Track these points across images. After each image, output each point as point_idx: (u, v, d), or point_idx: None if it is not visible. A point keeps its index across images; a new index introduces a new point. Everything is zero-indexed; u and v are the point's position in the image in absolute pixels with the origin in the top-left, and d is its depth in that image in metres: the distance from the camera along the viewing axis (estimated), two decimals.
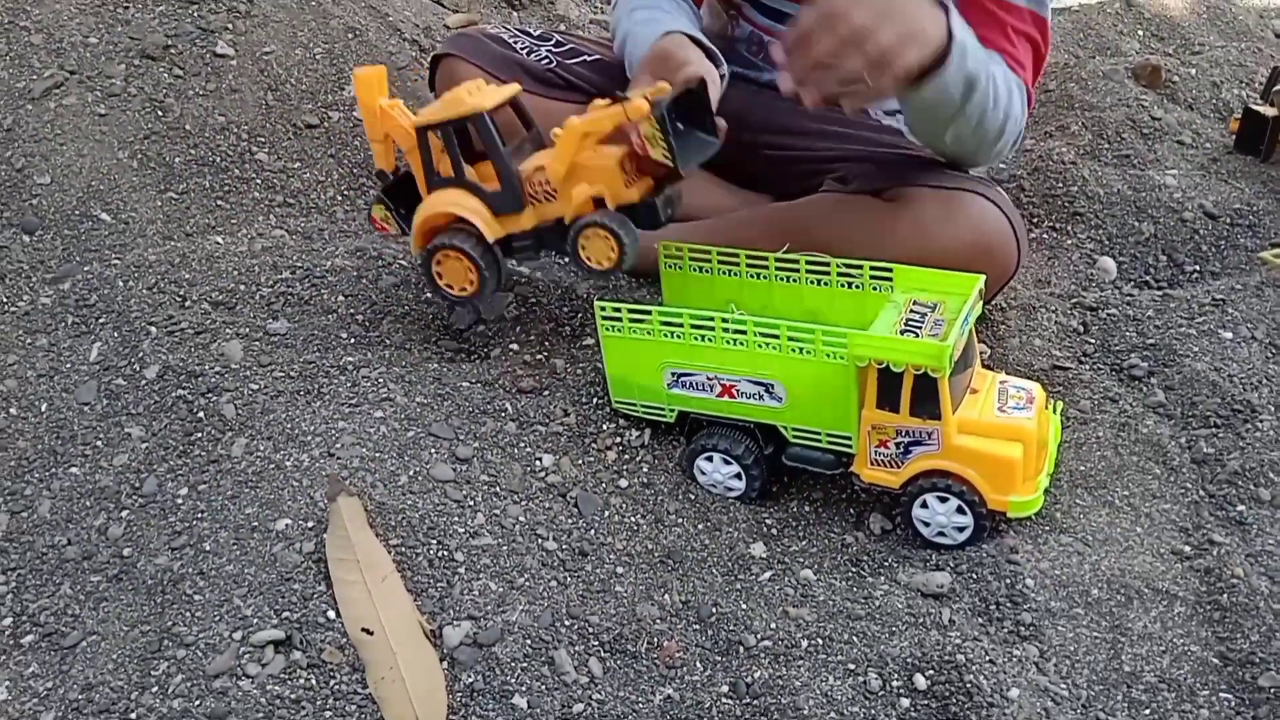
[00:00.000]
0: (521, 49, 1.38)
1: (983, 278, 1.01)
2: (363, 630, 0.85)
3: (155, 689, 0.82)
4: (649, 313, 1.01)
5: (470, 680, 0.85)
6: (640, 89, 1.04)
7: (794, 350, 0.97)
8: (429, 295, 1.19)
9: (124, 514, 0.97)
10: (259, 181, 1.37)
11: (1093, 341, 1.27)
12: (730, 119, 1.30)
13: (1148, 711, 0.83)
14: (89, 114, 1.35)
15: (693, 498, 1.04)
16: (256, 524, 0.92)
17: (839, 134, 1.31)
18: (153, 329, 1.13)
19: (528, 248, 1.09)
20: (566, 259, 1.13)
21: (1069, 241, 1.46)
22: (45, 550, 0.96)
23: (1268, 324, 1.25)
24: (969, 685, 0.81)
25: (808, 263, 1.10)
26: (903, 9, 0.96)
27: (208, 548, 0.91)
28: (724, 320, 0.99)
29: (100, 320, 1.15)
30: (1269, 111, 1.58)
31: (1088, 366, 1.23)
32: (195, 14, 1.46)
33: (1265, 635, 0.86)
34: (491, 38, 1.39)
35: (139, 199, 1.30)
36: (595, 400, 1.11)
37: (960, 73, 1.04)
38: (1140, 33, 2.16)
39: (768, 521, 1.04)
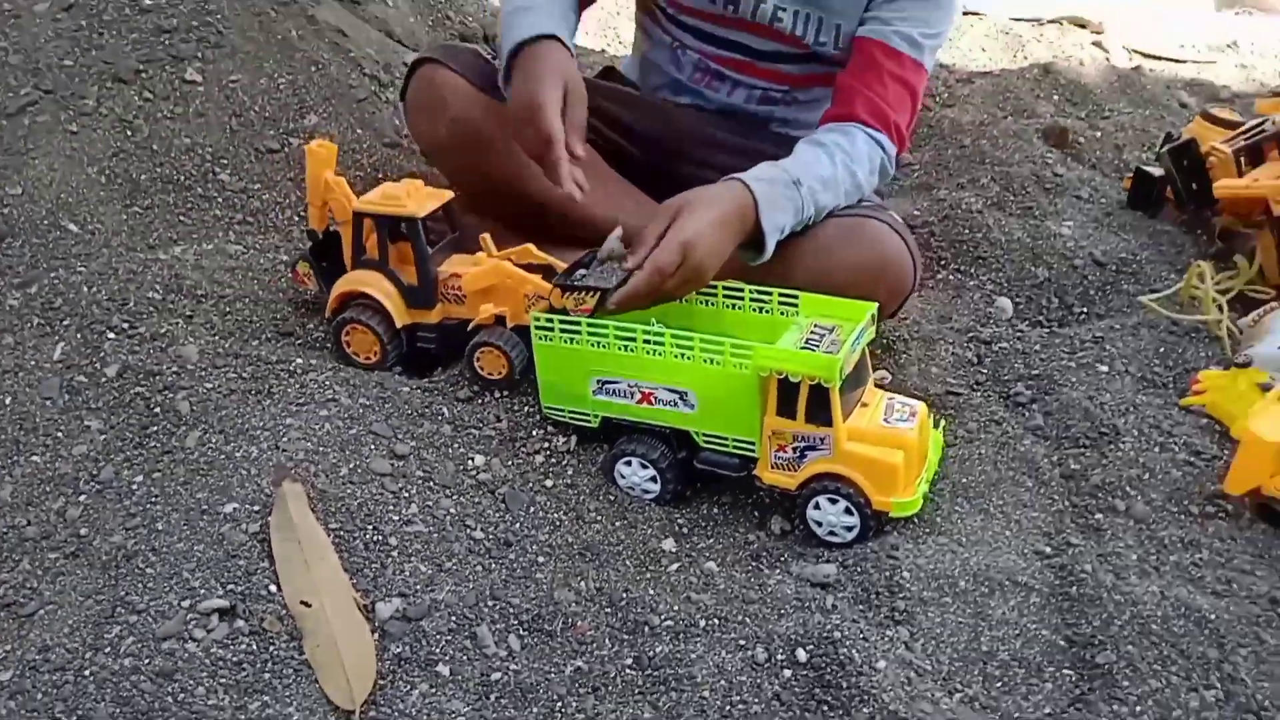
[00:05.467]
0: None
1: (875, 306, 1.13)
2: (301, 603, 0.93)
3: (108, 650, 0.89)
4: (579, 323, 1.12)
5: (399, 650, 0.93)
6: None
7: (706, 360, 1.08)
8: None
9: (82, 498, 1.05)
10: (220, 200, 1.46)
11: (985, 371, 1.40)
12: (677, 141, 1.41)
13: (1000, 684, 0.94)
14: (61, 131, 1.44)
15: (612, 498, 1.14)
16: (206, 507, 1.00)
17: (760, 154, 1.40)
18: (113, 332, 1.22)
19: (431, 340, 1.24)
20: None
21: (972, 283, 1.59)
22: (5, 530, 1.03)
23: (1140, 360, 1.39)
24: (842, 657, 0.92)
25: (724, 288, 1.22)
26: (708, 232, 1.12)
27: (160, 527, 0.99)
28: (645, 331, 1.10)
29: (64, 322, 1.23)
30: (1156, 171, 1.73)
31: (978, 393, 1.35)
32: (167, 42, 1.55)
33: (1105, 621, 0.97)
34: (472, 50, 1.45)
35: (105, 212, 1.38)
36: (527, 409, 1.21)
37: (778, 235, 1.21)
38: (1055, 97, 2.33)
39: (679, 521, 1.14)
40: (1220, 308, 1.45)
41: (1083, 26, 2.69)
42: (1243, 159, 1.66)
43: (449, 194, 1.24)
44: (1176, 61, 2.62)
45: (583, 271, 1.14)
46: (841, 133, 1.31)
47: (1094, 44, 2.62)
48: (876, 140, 1.32)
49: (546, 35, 1.23)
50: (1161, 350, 1.40)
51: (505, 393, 1.21)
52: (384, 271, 1.21)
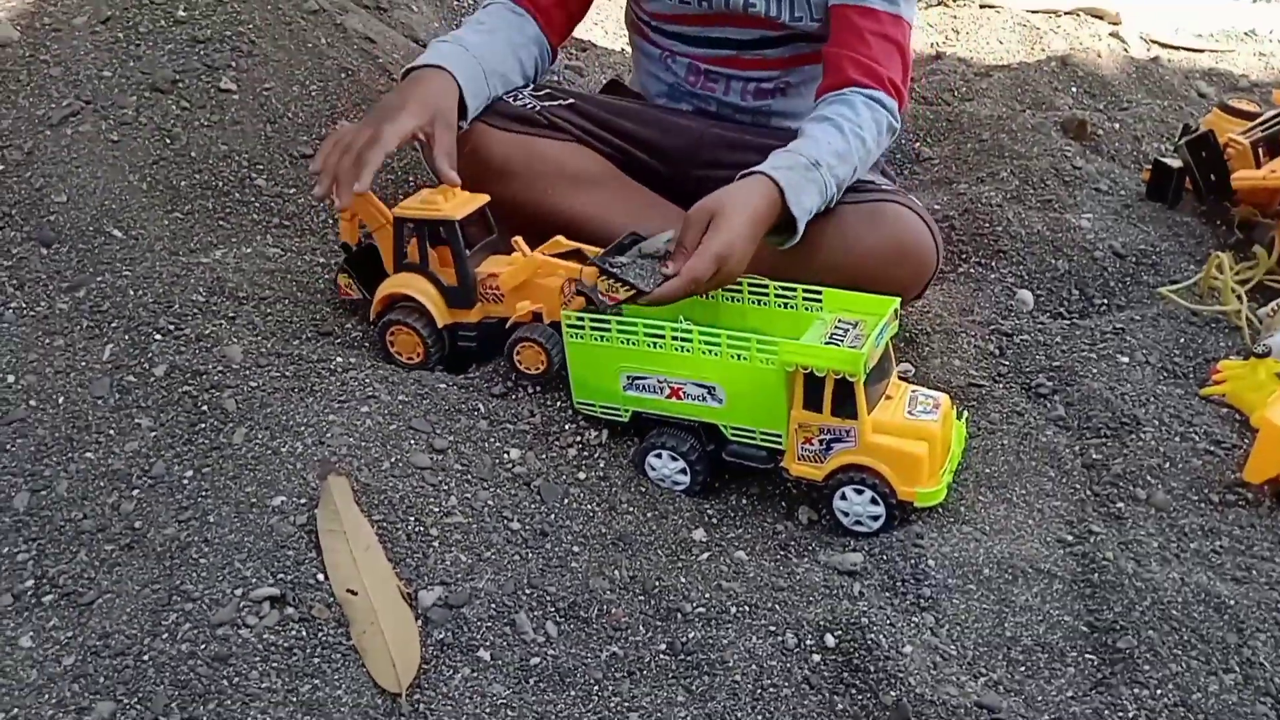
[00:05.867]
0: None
1: (897, 301, 1.16)
2: (348, 591, 0.97)
3: (165, 636, 0.94)
4: (609, 322, 1.15)
5: (441, 636, 0.97)
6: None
7: (733, 356, 1.11)
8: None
9: (135, 492, 1.09)
10: (257, 205, 1.50)
11: (1007, 363, 1.42)
12: (688, 147, 1.46)
13: (1023, 669, 0.96)
14: (103, 140, 1.48)
15: (643, 490, 1.17)
16: (255, 500, 1.04)
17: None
18: (160, 333, 1.26)
19: (471, 339, 1.28)
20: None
21: (992, 275, 1.62)
22: (63, 524, 1.07)
23: (1160, 350, 1.41)
24: (870, 642, 0.95)
25: (750, 285, 1.25)
26: (740, 242, 1.16)
27: (211, 520, 1.03)
28: (673, 329, 1.13)
29: (112, 324, 1.27)
30: (1175, 163, 1.75)
31: (1000, 385, 1.38)
32: (202, 52, 1.60)
33: (1127, 607, 1.00)
34: None
35: (148, 218, 1.42)
36: (559, 404, 1.24)
37: (806, 217, 1.24)
38: (1074, 89, 2.34)
39: (709, 511, 1.17)
40: (1239, 298, 1.47)
41: (1100, 17, 2.70)
42: (1260, 150, 1.67)
43: (485, 198, 1.28)
44: (1195, 51, 2.62)
45: (622, 260, 1.16)
46: (841, 102, 1.33)
47: (1112, 35, 2.63)
48: (875, 99, 1.33)
49: (440, 67, 1.30)
50: (1181, 341, 1.42)
51: (538, 388, 1.24)
52: (425, 274, 1.25)
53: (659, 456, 1.17)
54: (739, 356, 1.11)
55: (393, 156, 1.29)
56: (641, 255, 1.17)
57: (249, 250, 1.42)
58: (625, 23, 1.63)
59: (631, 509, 1.15)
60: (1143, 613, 0.99)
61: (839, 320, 1.15)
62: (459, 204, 1.25)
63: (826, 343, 1.10)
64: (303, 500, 1.04)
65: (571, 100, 1.51)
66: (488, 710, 0.92)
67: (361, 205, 1.28)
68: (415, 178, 1.63)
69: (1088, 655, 0.97)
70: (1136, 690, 0.93)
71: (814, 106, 1.36)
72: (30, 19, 1.60)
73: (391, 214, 1.26)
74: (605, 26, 2.59)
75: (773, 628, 0.99)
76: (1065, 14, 2.68)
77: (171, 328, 1.26)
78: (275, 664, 0.92)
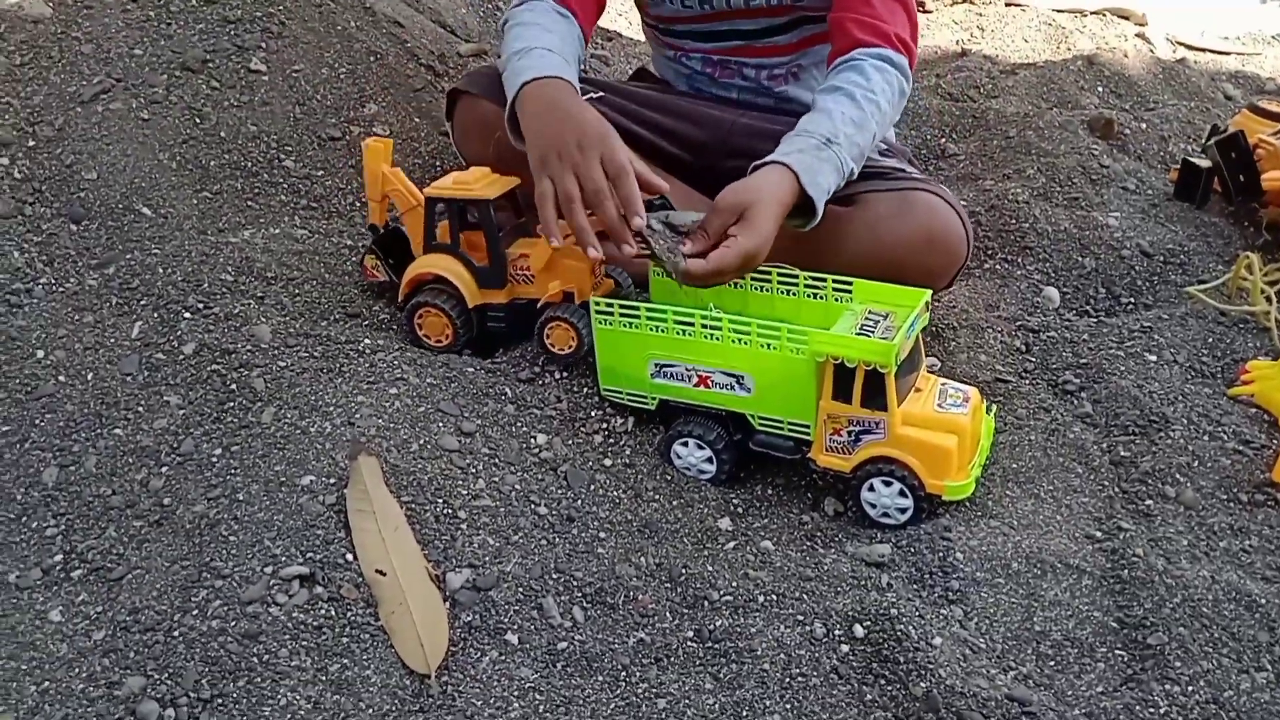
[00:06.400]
0: None
1: (929, 293, 1.15)
2: (376, 571, 0.97)
3: (195, 612, 0.94)
4: (638, 309, 1.15)
5: (469, 619, 0.97)
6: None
7: (763, 346, 1.11)
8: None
9: (164, 469, 1.09)
10: (285, 186, 1.50)
11: (1033, 360, 1.42)
12: (718, 138, 1.45)
13: (1053, 663, 0.96)
14: (133, 118, 1.48)
15: (669, 478, 1.17)
16: (284, 479, 1.04)
17: None
18: (189, 312, 1.26)
19: (500, 319, 1.27)
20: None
21: (1019, 272, 1.61)
22: (92, 499, 1.08)
23: (1188, 349, 1.40)
24: (899, 634, 0.94)
25: (779, 275, 1.24)
26: (769, 241, 1.14)
27: (241, 498, 1.03)
28: (703, 317, 1.13)
29: (141, 302, 1.28)
30: (1203, 163, 1.74)
31: (1027, 381, 1.37)
32: (232, 32, 1.60)
33: (1157, 603, 0.99)
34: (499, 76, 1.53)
35: (177, 197, 1.43)
36: (586, 390, 1.24)
37: (824, 197, 1.21)
38: (1100, 89, 2.33)
39: (734, 501, 1.17)
40: (1269, 299, 1.46)
41: (1126, 18, 2.68)
42: None
43: (515, 180, 1.27)
44: (1221, 53, 2.61)
45: (652, 221, 1.14)
46: (850, 68, 1.31)
47: (1138, 35, 2.61)
48: (885, 58, 1.31)
49: (560, 78, 1.24)
50: (1210, 340, 1.42)
51: (565, 374, 1.24)
52: (455, 254, 1.25)
53: (685, 445, 1.17)
54: (769, 346, 1.11)
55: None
56: (667, 224, 1.16)
57: (277, 231, 1.42)
58: (643, 28, 1.63)
59: (657, 496, 1.14)
60: (1173, 609, 0.99)
61: (869, 311, 1.15)
62: (490, 184, 1.25)
63: (857, 334, 1.10)
64: (332, 480, 1.04)
65: (602, 93, 1.50)
66: (516, 693, 0.92)
67: (392, 186, 1.29)
68: (442, 162, 1.63)
69: (1118, 651, 0.97)
70: (1168, 687, 0.93)
71: (826, 76, 1.36)
72: None
73: (423, 195, 1.26)
74: (630, 18, 2.58)
75: (801, 617, 0.98)
76: (1091, 14, 2.67)
77: (200, 306, 1.26)
78: (305, 643, 0.92)
